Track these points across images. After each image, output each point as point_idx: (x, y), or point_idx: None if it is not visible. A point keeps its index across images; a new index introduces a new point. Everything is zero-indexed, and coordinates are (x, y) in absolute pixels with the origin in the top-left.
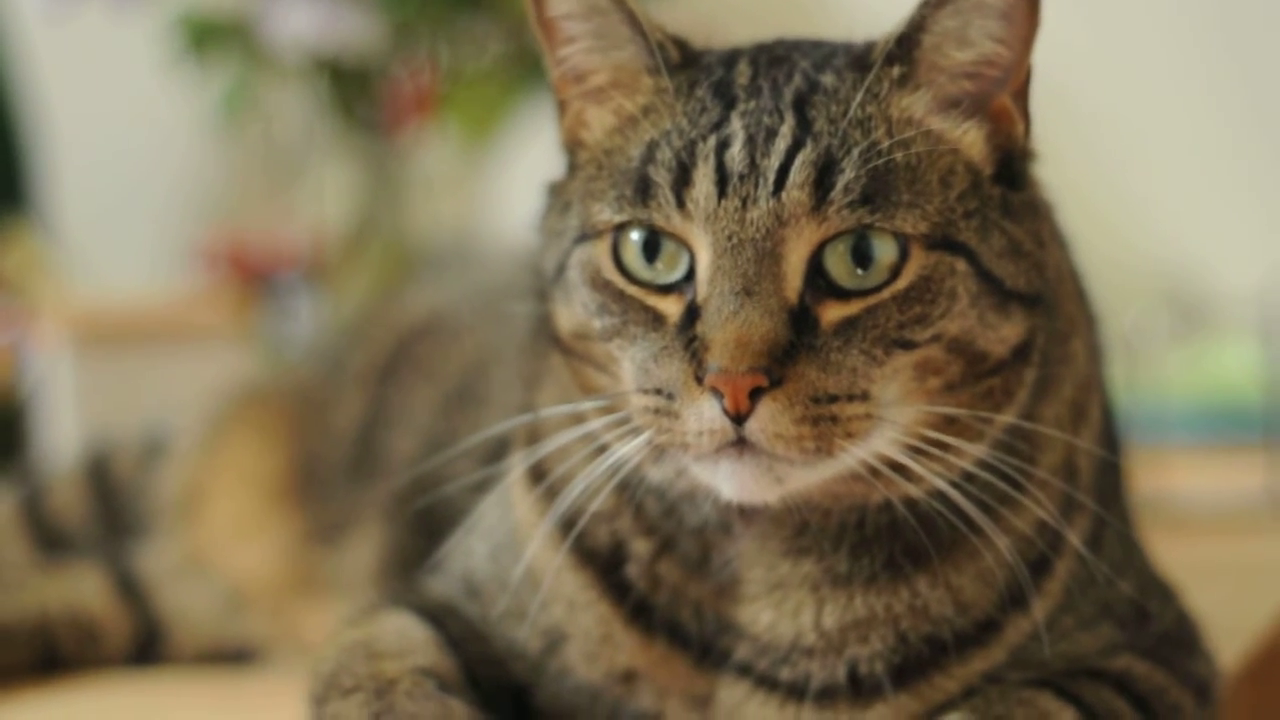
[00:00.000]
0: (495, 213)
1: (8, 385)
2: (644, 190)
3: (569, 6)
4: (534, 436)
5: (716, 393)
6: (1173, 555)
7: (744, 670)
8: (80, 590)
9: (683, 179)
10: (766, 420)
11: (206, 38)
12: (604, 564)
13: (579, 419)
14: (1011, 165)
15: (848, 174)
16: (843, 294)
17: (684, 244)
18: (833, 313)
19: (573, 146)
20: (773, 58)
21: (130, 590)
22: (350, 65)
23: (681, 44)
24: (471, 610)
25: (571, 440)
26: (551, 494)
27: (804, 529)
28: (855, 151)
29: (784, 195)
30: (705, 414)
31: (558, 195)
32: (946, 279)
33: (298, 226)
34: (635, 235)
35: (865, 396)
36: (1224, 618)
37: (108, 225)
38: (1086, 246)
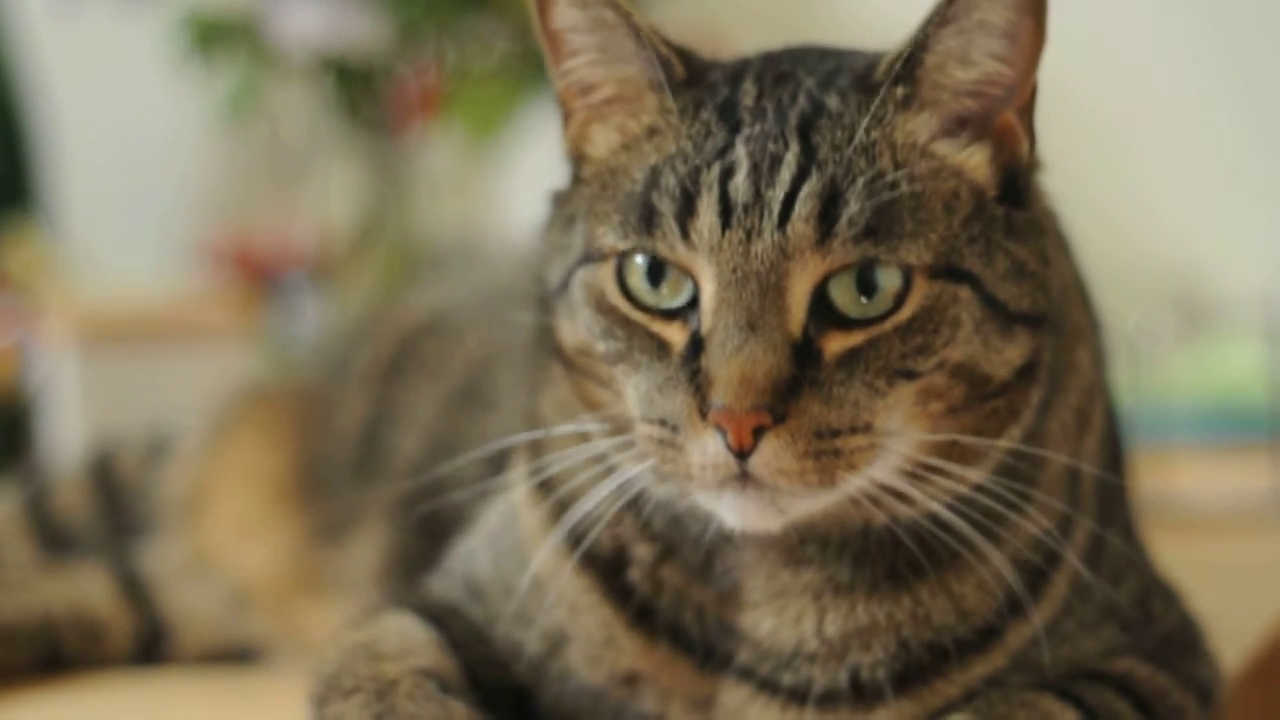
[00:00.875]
0: (500, 212)
1: (13, 384)
2: (648, 218)
3: (574, 19)
4: (537, 446)
5: (720, 429)
6: (1177, 556)
7: (746, 674)
8: (84, 590)
9: (687, 209)
10: (770, 457)
11: (212, 37)
12: (606, 568)
13: (584, 437)
14: (1016, 182)
15: (852, 206)
16: (846, 323)
17: (688, 273)
18: (836, 344)
19: (577, 158)
20: (778, 75)
21: (134, 590)
22: (356, 65)
23: (688, 58)
24: (474, 612)
25: (578, 457)
26: (560, 508)
27: (805, 540)
28: (860, 182)
29: (789, 229)
30: (709, 449)
31: (561, 206)
32: (950, 307)
33: (303, 226)
34: (640, 260)
35: (868, 428)
36: (1229, 619)
37: (113, 224)
38: (1092, 248)
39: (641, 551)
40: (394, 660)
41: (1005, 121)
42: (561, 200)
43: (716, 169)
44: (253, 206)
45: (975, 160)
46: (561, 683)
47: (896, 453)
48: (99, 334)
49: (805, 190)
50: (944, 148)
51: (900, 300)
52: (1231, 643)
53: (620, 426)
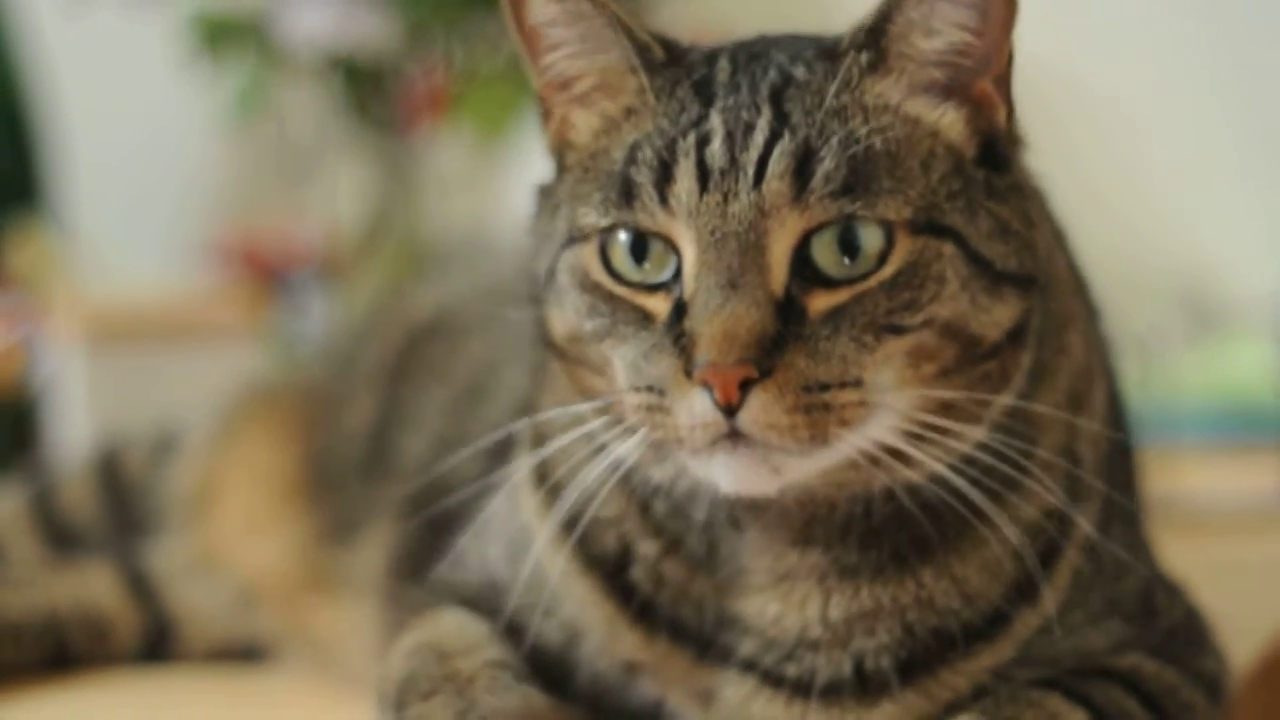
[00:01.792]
0: (508, 211)
1: (20, 382)
2: (627, 192)
3: (552, 13)
4: (539, 438)
5: (707, 386)
6: (1186, 556)
7: (748, 667)
8: (90, 588)
9: (664, 177)
10: (758, 411)
11: (221, 36)
12: (610, 568)
13: (579, 421)
14: (995, 149)
15: (827, 163)
16: (830, 283)
17: (670, 243)
18: (820, 302)
19: (560, 149)
20: (751, 54)
21: (140, 588)
22: (364, 64)
23: (667, 43)
24: (500, 606)
25: (572, 442)
26: (554, 494)
27: (812, 520)
28: (834, 140)
29: (764, 187)
30: (696, 408)
31: (547, 198)
32: (934, 263)
33: (311, 224)
34: (623, 237)
35: (858, 383)
36: (1238, 618)
37: (121, 222)
38: (1102, 248)
39: (645, 548)
40: (464, 656)
41: (981, 89)
42: (547, 192)
43: (692, 138)
44: (260, 205)
45: (949, 119)
46: (581, 671)
47: (893, 410)
48: (106, 331)
49: (779, 150)
50: (916, 107)
51: (884, 258)
52: (1240, 643)
53: (613, 407)
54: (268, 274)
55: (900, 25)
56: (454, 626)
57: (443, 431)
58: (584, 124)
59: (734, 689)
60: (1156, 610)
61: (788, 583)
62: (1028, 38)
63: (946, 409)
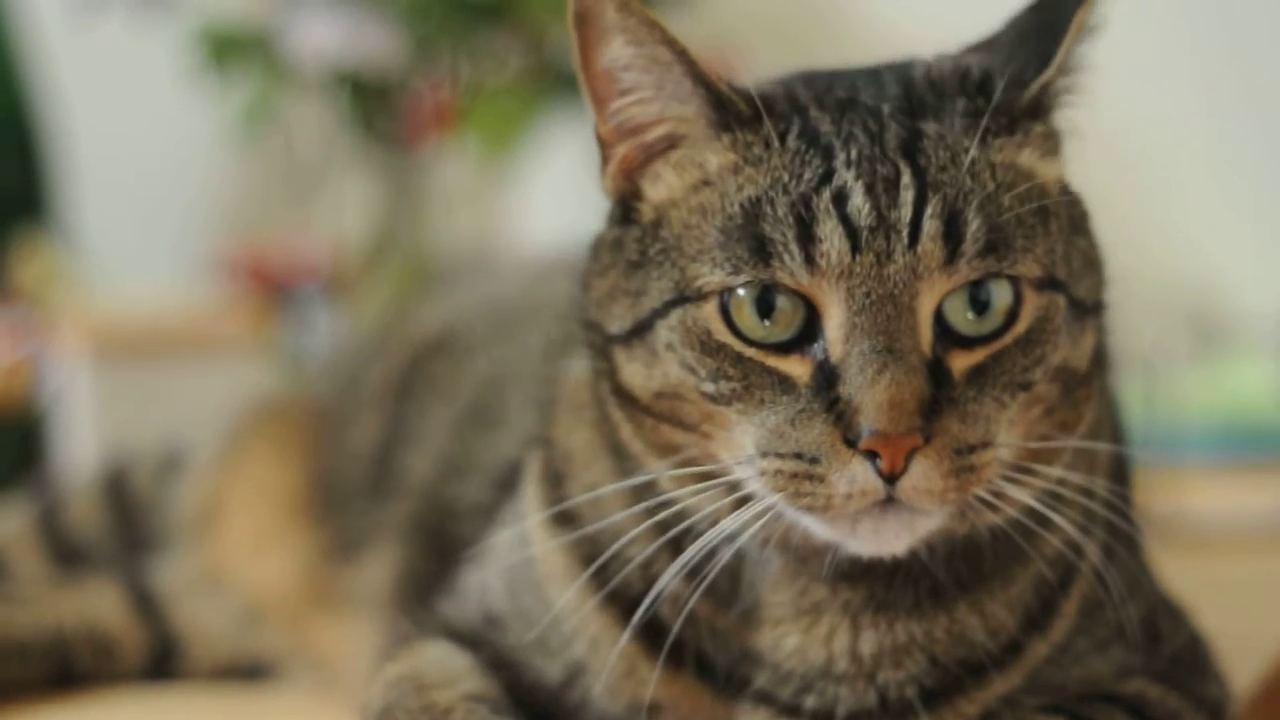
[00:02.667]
0: (515, 226)
1: (26, 397)
2: (760, 250)
3: (628, 58)
4: (554, 474)
5: (871, 455)
6: (1190, 574)
7: (764, 698)
8: (96, 605)
9: (805, 235)
10: (918, 478)
11: (228, 50)
12: (631, 603)
13: (623, 474)
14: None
15: (974, 224)
16: (964, 342)
17: (801, 300)
18: (960, 362)
19: (628, 198)
20: (839, 100)
21: (146, 605)
22: (371, 79)
23: (746, 94)
24: (495, 640)
25: (611, 496)
26: (588, 545)
27: (861, 559)
28: (974, 200)
29: (919, 249)
30: (859, 477)
31: (616, 251)
32: (1055, 316)
33: (317, 239)
34: (744, 293)
35: (994, 442)
36: (1241, 638)
37: (127, 236)
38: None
39: (674, 586)
40: (442, 688)
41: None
42: (614, 244)
43: (827, 194)
44: (267, 219)
45: (1057, 171)
46: (579, 711)
47: (1004, 457)
48: (112, 346)
49: (930, 210)
50: (1030, 162)
51: (1013, 315)
52: (1243, 662)
53: (721, 470)
54: (274, 288)
55: (1051, 95)
56: (436, 658)
57: (448, 450)
58: (670, 178)
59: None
60: (1160, 636)
61: (811, 616)
62: None
63: (1038, 447)
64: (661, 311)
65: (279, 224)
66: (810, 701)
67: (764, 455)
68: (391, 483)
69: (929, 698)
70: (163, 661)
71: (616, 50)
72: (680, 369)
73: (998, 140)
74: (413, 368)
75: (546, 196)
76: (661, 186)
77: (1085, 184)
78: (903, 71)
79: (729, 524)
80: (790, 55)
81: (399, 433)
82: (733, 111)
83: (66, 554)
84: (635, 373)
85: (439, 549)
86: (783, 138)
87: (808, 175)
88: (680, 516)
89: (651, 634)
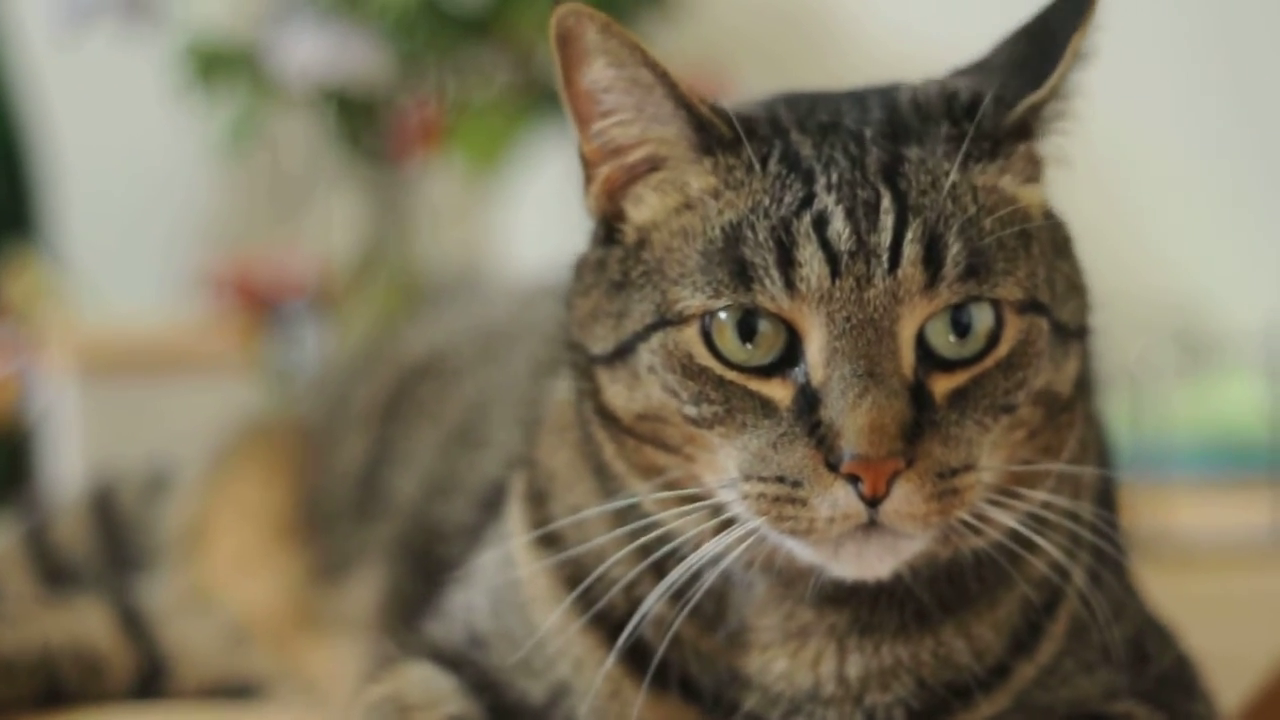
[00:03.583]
0: (501, 243)
1: (13, 413)
2: (741, 273)
3: (609, 79)
4: (537, 494)
5: (853, 479)
6: (1177, 592)
7: None
8: (84, 624)
9: (785, 259)
10: (900, 502)
11: (214, 66)
12: (616, 625)
13: (607, 495)
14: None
15: (954, 248)
16: (945, 365)
17: (783, 324)
18: (942, 385)
19: (611, 219)
20: (820, 124)
21: (134, 624)
22: (357, 95)
23: (727, 117)
24: (479, 661)
25: (594, 517)
26: (572, 568)
27: (846, 583)
28: (955, 224)
29: (900, 273)
30: (840, 500)
31: (598, 271)
32: (1037, 340)
33: (304, 255)
34: (726, 317)
35: (976, 465)
36: (1229, 655)
37: (114, 252)
38: (1093, 282)
39: (659, 608)
40: (423, 710)
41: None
42: (597, 265)
43: (807, 219)
44: (253, 235)
45: (1038, 196)
46: None
47: (988, 484)
48: (100, 362)
49: (910, 234)
50: (1012, 187)
51: (995, 338)
52: (1231, 681)
53: (705, 493)
54: (261, 304)
55: (1044, 121)
56: (419, 680)
57: (434, 472)
58: (651, 200)
59: None
60: (1148, 656)
61: (798, 640)
62: None
63: (1020, 472)
64: (643, 334)
65: (266, 240)
66: None
67: (746, 479)
68: (377, 504)
69: (916, 718)
70: (150, 681)
71: (598, 72)
72: (662, 392)
73: (980, 164)
74: (400, 389)
75: (533, 213)
76: (644, 208)
77: (1072, 203)
78: (888, 95)
79: (712, 547)
80: (776, 73)
81: (386, 454)
82: (714, 134)
83: (54, 572)
84: (618, 394)
85: (425, 570)
86: (764, 161)
87: (788, 199)
88: (664, 539)
89: (636, 656)
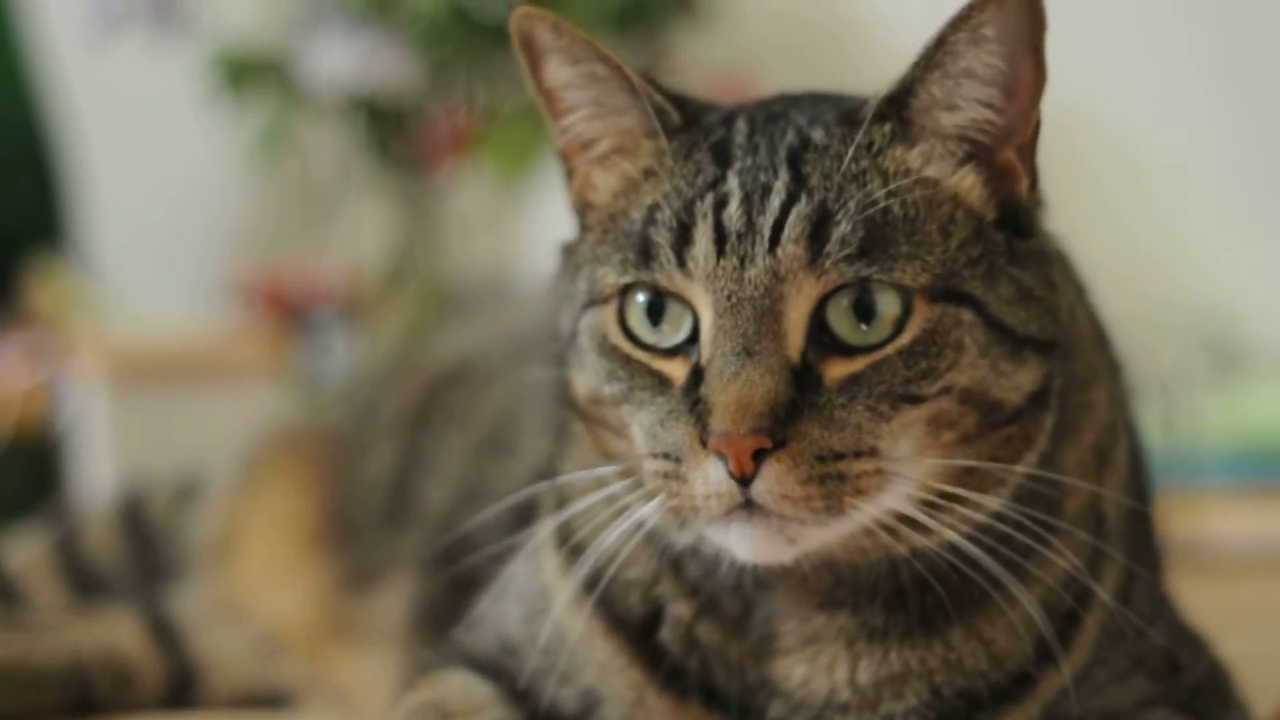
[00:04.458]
0: (530, 251)
1: (43, 422)
2: (646, 252)
3: (567, 76)
4: (561, 501)
5: (721, 455)
6: (1209, 600)
7: None
8: (114, 633)
9: (683, 238)
10: (772, 482)
11: (244, 75)
12: (636, 631)
13: (601, 483)
14: (1016, 214)
15: (843, 226)
16: (847, 350)
17: (687, 305)
18: (837, 369)
19: (582, 209)
20: (770, 114)
21: (164, 633)
22: (386, 103)
23: (683, 104)
24: (513, 669)
25: (594, 504)
26: (576, 554)
27: (839, 582)
28: (850, 204)
29: (780, 251)
30: (711, 477)
31: (570, 257)
32: (952, 330)
33: (333, 263)
34: (640, 298)
35: (873, 453)
36: (1260, 663)
37: (144, 261)
38: (1125, 290)
39: (679, 610)
40: (464, 716)
41: (1005, 158)
42: (569, 251)
43: (710, 199)
44: (283, 244)
45: (969, 183)
46: None
47: (910, 480)
48: (129, 370)
49: (795, 213)
50: (936, 172)
51: (901, 325)
52: (1263, 688)
53: (633, 470)
54: (290, 313)
55: (923, 99)
56: (459, 687)
57: (464, 480)
58: (604, 184)
59: None
60: (1180, 666)
61: (815, 646)
62: (1055, 78)
63: (966, 476)
64: (579, 315)
65: (295, 248)
66: None
67: (647, 456)
68: (407, 512)
69: None
70: (181, 690)
71: (555, 70)
72: (592, 372)
73: (891, 148)
74: (429, 398)
75: (561, 221)
76: (601, 191)
77: (1105, 212)
78: (852, 96)
79: (640, 512)
80: (805, 80)
81: (415, 461)
82: (664, 120)
83: (84, 581)
84: (575, 378)
85: (456, 582)
86: (693, 147)
87: (699, 182)
88: (659, 531)
89: (657, 665)
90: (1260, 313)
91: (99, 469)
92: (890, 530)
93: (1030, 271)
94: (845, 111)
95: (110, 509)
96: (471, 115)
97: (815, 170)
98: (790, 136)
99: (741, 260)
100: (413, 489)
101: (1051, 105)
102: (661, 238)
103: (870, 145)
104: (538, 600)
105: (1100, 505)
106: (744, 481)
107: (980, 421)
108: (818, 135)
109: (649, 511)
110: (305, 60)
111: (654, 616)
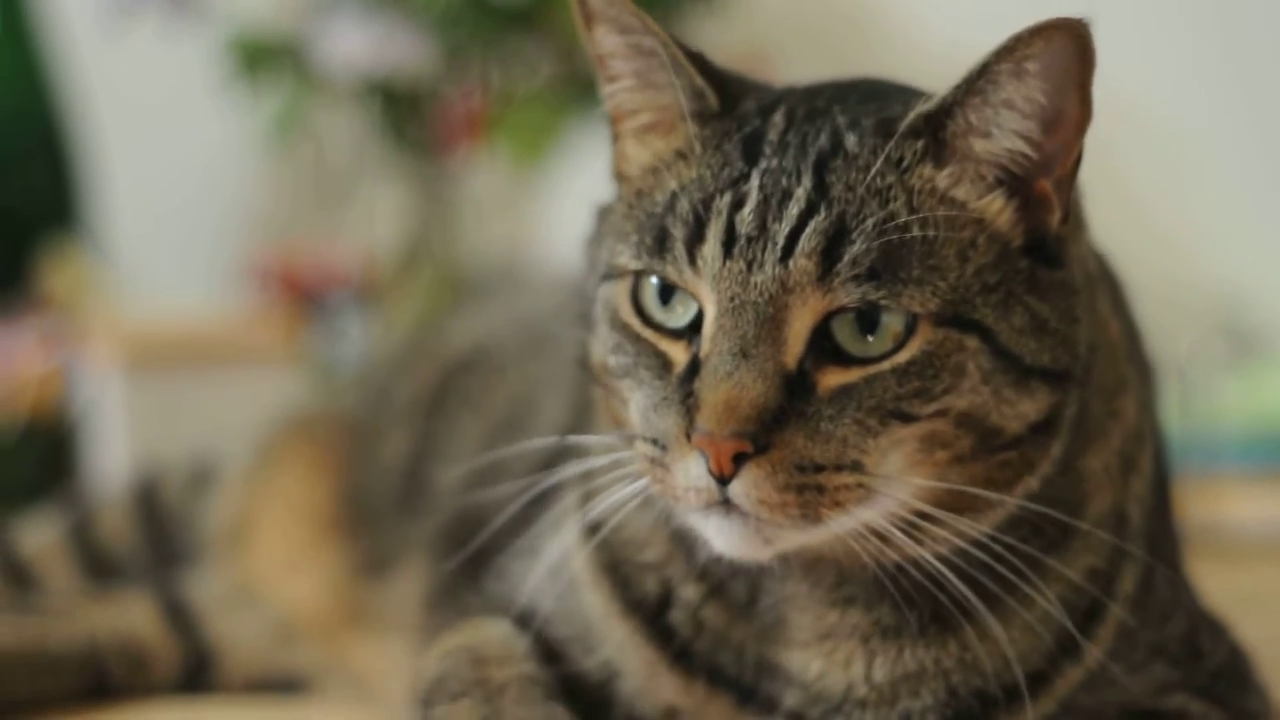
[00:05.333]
0: (545, 235)
1: (58, 407)
2: (661, 241)
3: (614, 44)
4: (588, 476)
5: (704, 452)
6: (1226, 584)
7: (794, 719)
8: (129, 617)
9: (696, 235)
10: (749, 485)
11: (259, 59)
12: (650, 612)
13: (612, 448)
14: (1045, 243)
15: (857, 246)
16: (845, 360)
17: (694, 297)
18: (831, 379)
19: (618, 178)
20: (812, 110)
21: (180, 618)
22: (401, 87)
23: (726, 87)
24: (545, 633)
25: (606, 464)
26: (605, 548)
27: (845, 579)
28: (870, 222)
29: (791, 263)
30: (692, 471)
31: (601, 222)
32: (953, 355)
33: (349, 247)
34: (654, 281)
35: (856, 467)
36: (1278, 646)
37: (158, 245)
38: (1141, 275)
39: (688, 592)
40: (499, 665)
41: (1040, 188)
42: (603, 215)
43: (728, 198)
44: (298, 228)
45: (996, 207)
46: (620, 709)
47: (892, 497)
48: (144, 355)
49: (812, 226)
50: (964, 194)
51: (901, 343)
52: None
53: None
54: (305, 297)
55: (960, 123)
56: (497, 635)
57: (477, 466)
58: (636, 159)
59: None
60: (1201, 652)
61: (830, 641)
62: None
63: (955, 498)
64: (598, 284)
65: (310, 233)
66: None
67: (639, 437)
68: (422, 497)
69: None
70: (196, 674)
71: (604, 36)
72: (600, 342)
73: (922, 166)
74: (444, 383)
75: (577, 205)
76: (633, 165)
77: (1124, 197)
78: (907, 92)
79: (619, 494)
80: (824, 66)
81: (429, 447)
82: (701, 105)
83: (98, 566)
84: (592, 343)
85: (471, 564)
86: (724, 137)
87: (723, 177)
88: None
89: (668, 643)
90: (1277, 297)
91: (113, 454)
92: (880, 537)
93: (1049, 303)
94: (883, 120)
95: (125, 494)
96: (486, 99)
97: (840, 180)
98: (823, 140)
99: (749, 265)
100: (428, 474)
101: None
102: (677, 230)
103: (900, 161)
104: (563, 575)
105: (1124, 507)
106: (723, 481)
107: (976, 445)
108: (850, 142)
109: (626, 496)
110: (320, 44)
111: (667, 598)
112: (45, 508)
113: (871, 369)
